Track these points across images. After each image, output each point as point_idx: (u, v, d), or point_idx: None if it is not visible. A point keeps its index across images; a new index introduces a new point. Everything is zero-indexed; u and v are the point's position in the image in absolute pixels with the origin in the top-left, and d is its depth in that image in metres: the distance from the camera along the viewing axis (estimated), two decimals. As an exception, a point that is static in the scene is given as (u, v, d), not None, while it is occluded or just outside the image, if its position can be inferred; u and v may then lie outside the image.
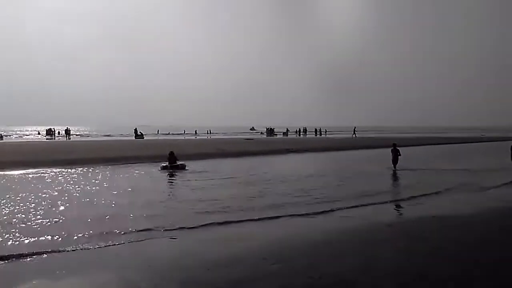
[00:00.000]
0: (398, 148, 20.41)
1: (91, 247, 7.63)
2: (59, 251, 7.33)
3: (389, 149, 21.06)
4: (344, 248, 7.44)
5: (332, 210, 10.87)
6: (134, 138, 55.65)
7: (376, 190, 14.01)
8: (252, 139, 51.03)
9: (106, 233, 8.48)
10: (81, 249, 7.51)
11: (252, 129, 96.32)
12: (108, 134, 70.94)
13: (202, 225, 9.21)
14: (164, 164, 20.32)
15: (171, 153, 20.75)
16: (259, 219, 9.85)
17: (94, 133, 79.39)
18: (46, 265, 6.73)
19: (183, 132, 75.53)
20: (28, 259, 6.93)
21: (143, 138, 55.48)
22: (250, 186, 15.06)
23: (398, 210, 11.48)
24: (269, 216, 10.16)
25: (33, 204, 11.41)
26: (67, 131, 60.00)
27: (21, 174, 18.74)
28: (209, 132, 77.54)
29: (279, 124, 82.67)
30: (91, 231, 8.53)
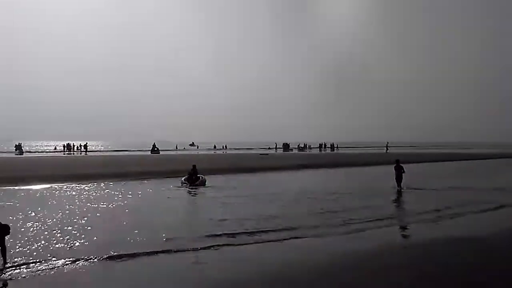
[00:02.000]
0: (402, 165, 19.08)
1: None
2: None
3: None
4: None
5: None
6: (150, 153, 56.46)
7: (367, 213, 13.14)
8: (267, 154, 51.33)
9: (170, 239, 8.80)
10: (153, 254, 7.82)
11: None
12: (126, 149, 72.07)
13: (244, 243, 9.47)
14: (184, 178, 20.62)
15: (194, 167, 21.00)
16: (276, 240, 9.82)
17: (109, 147, 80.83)
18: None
19: (197, 147, 76.80)
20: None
21: (159, 153, 56.25)
22: (268, 204, 15.08)
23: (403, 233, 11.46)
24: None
25: (60, 216, 11.86)
26: (85, 146, 61.30)
27: (46, 188, 19.32)
28: (224, 147, 78.64)
29: (290, 139, 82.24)
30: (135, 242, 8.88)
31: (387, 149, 63.34)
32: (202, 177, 20.75)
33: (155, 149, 60.40)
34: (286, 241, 9.57)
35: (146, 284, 6.77)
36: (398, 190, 18.52)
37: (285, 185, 21.43)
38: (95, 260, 7.80)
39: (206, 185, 20.13)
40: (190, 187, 19.61)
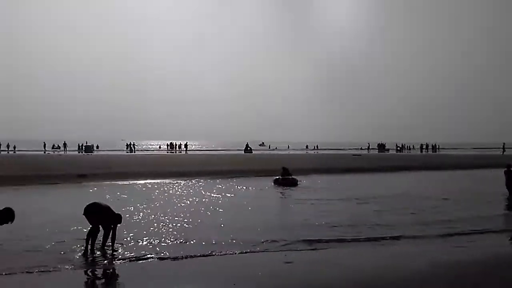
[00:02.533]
0: None
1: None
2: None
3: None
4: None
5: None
6: (243, 152, 58.57)
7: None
8: (359, 155, 49.65)
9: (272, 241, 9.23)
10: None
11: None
12: (221, 148, 75.87)
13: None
14: (276, 178, 20.99)
15: (284, 168, 21.32)
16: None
17: (205, 147, 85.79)
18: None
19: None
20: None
21: (251, 152, 58.06)
22: (362, 207, 14.62)
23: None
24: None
25: (169, 210, 13.00)
26: (185, 145, 66.03)
27: (153, 182, 21.31)
28: (316, 147, 78.21)
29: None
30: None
31: (503, 150, 56.33)
32: (294, 177, 20.88)
33: (248, 148, 62.44)
34: (380, 247, 9.19)
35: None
36: (508, 198, 16.39)
37: (380, 187, 20.51)
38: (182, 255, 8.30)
39: (298, 186, 20.22)
40: (282, 187, 19.88)
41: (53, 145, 65.91)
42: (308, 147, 78.72)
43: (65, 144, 62.42)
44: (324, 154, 53.95)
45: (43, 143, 64.43)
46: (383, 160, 41.22)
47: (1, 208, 7.52)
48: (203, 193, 17.85)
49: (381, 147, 71.41)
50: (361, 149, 72.14)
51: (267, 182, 21.38)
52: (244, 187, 20.07)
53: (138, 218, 11.92)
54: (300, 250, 8.74)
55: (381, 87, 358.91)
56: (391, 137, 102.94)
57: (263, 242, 9.25)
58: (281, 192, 18.64)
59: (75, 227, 9.90)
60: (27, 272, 7.08)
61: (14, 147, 60.66)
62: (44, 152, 53.90)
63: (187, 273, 7.32)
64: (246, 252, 8.49)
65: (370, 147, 72.79)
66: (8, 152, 54.98)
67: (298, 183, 20.59)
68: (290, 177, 20.84)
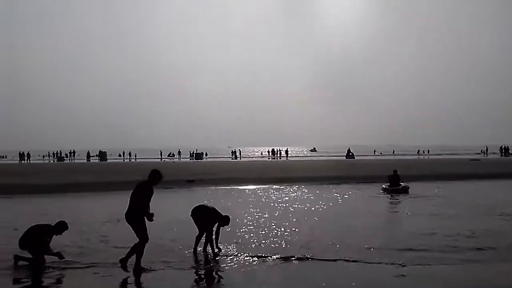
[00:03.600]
0: None
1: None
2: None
3: None
4: None
5: None
6: (345, 158, 57.00)
7: None
8: (478, 159, 44.52)
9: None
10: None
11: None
12: (320, 154, 75.02)
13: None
14: (386, 186, 19.78)
15: (395, 172, 19.92)
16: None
17: (304, 152, 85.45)
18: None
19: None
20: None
21: (354, 158, 56.21)
22: (484, 218, 12.84)
23: None
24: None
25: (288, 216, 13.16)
26: (286, 152, 66.94)
27: (255, 188, 21.88)
28: (427, 151, 73.11)
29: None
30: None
31: None
32: (404, 184, 19.51)
33: (350, 154, 60.58)
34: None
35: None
36: None
37: (506, 196, 17.97)
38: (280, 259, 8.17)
39: (409, 193, 18.84)
40: (391, 194, 18.68)
41: (169, 153, 72.65)
42: (419, 152, 73.80)
43: (179, 152, 68.51)
44: (435, 159, 49.61)
45: (160, 151, 71.37)
46: (508, 165, 36.17)
47: (56, 221, 8.25)
48: (306, 198, 17.70)
49: (505, 150, 63.25)
50: (479, 152, 64.76)
51: (374, 189, 20.35)
52: (350, 193, 19.36)
53: (246, 221, 12.24)
54: (416, 264, 7.98)
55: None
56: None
57: (372, 251, 8.72)
58: (391, 200, 17.46)
59: (183, 228, 10.48)
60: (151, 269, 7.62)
61: (135, 155, 68.30)
62: (161, 160, 59.52)
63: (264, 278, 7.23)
64: (354, 261, 8.07)
65: (488, 151, 65.07)
66: (130, 160, 62.08)
67: (409, 190, 19.14)
68: (400, 183, 19.44)
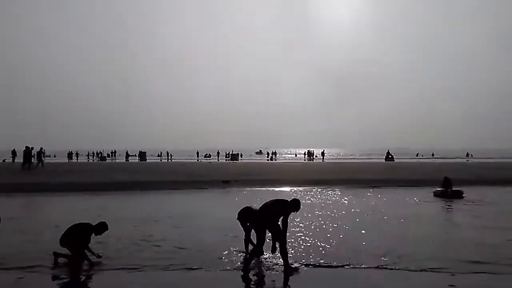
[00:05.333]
0: None
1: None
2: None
3: None
4: None
5: None
6: (384, 160, 55.33)
7: None
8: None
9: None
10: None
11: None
12: (358, 156, 73.37)
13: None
14: (438, 189, 18.94)
15: (446, 178, 19.03)
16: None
17: (341, 155, 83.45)
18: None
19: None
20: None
21: (393, 160, 54.47)
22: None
23: None
24: None
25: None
26: (322, 153, 65.92)
27: (291, 190, 21.55)
28: (470, 155, 69.68)
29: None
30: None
31: None
32: (458, 189, 18.55)
33: (390, 156, 58.75)
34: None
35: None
36: None
37: None
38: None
39: (462, 198, 17.83)
40: (443, 200, 17.69)
41: (205, 154, 73.76)
42: (469, 155, 70.67)
43: (218, 153, 69.64)
44: (480, 162, 46.98)
45: (196, 152, 72.55)
46: None
47: (98, 222, 8.33)
48: (345, 201, 17.19)
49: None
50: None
51: (421, 193, 19.44)
52: (399, 198, 18.39)
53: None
54: (467, 273, 7.42)
55: None
56: None
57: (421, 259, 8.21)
58: (443, 206, 16.40)
59: (226, 230, 10.48)
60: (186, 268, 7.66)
61: (171, 155, 69.89)
62: (197, 160, 60.39)
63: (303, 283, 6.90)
64: (405, 269, 7.62)
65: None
66: (168, 160, 63.44)
67: (463, 195, 18.13)
68: (452, 188, 18.51)
